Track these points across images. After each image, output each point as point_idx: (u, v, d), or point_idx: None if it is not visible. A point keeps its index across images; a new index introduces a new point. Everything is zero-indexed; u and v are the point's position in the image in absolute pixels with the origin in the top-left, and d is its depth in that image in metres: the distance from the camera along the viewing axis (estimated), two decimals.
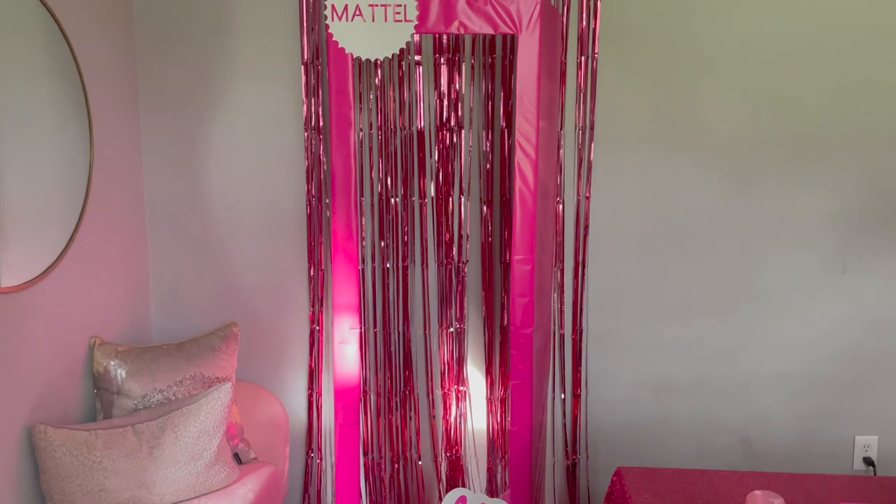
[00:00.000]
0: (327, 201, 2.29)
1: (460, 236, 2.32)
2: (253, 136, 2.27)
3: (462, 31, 1.86)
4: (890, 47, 2.18)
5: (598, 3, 2.19)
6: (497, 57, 2.23)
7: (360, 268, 2.29)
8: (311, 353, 2.36)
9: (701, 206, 2.29)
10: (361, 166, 2.27)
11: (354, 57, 1.85)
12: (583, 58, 2.23)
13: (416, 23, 1.81)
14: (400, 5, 1.80)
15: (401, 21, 1.81)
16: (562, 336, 2.37)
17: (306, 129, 2.25)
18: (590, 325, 2.37)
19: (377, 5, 1.80)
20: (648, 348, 2.38)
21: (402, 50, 1.86)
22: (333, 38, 1.82)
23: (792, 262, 2.30)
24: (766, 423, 2.38)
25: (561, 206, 2.30)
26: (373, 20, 1.80)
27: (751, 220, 2.28)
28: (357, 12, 1.80)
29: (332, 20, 1.81)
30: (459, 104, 2.25)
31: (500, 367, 2.37)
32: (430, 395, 2.38)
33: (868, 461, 2.35)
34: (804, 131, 2.23)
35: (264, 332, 2.35)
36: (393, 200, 2.30)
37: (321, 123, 2.24)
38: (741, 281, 2.32)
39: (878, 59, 2.19)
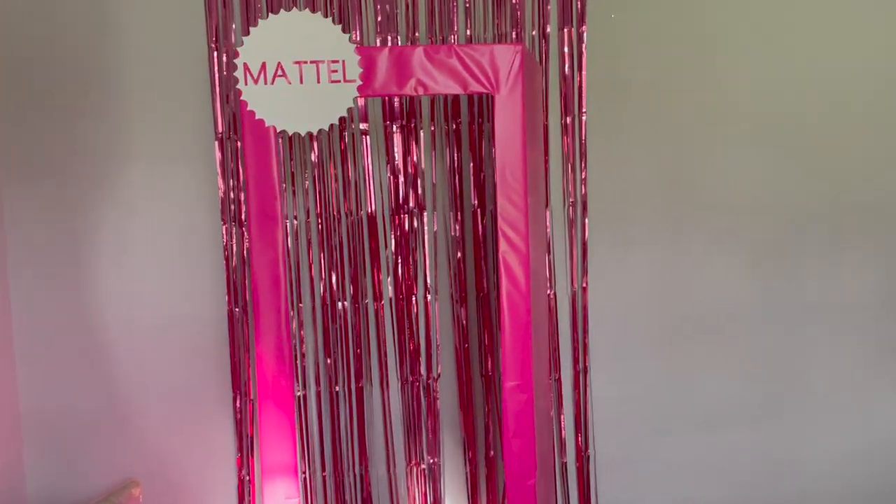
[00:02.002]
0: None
1: (428, 345, 1.83)
2: (155, 230, 1.76)
3: (421, 91, 1.40)
4: None
5: (584, 53, 1.78)
6: (463, 122, 1.79)
7: (300, 395, 1.77)
8: None
9: (723, 293, 1.86)
10: (297, 264, 1.77)
11: (279, 131, 1.37)
12: (568, 118, 1.80)
13: (359, 83, 1.35)
14: (337, 61, 1.34)
15: (339, 82, 1.34)
16: (563, 465, 1.88)
17: (224, 221, 1.75)
18: (597, 447, 1.88)
19: (306, 62, 1.33)
20: (670, 471, 1.90)
21: (342, 119, 1.39)
22: (248, 108, 1.34)
23: (841, 355, 1.87)
24: None
25: (554, 300, 1.84)
26: (300, 82, 1.34)
27: (786, 306, 1.86)
28: (279, 72, 1.33)
29: (246, 83, 1.33)
30: (419, 181, 1.79)
31: None
32: None
33: None
34: (843, 194, 1.84)
35: (177, 488, 1.79)
36: (340, 305, 1.80)
37: (243, 212, 1.75)
38: (783, 379, 1.88)
39: None
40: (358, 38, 1.74)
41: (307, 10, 1.36)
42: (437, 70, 1.39)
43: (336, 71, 1.35)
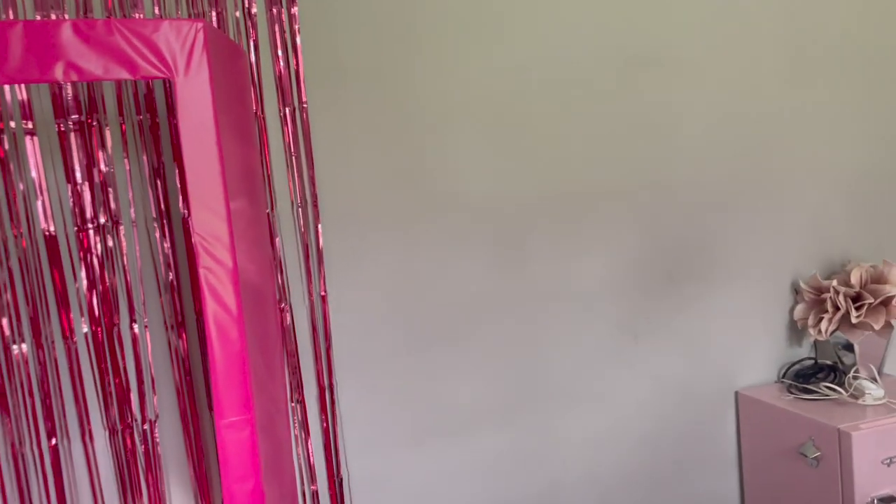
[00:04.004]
0: None
1: (140, 383, 1.54)
2: None
3: (75, 77, 1.11)
4: (646, 85, 1.88)
5: (297, 39, 1.59)
6: (161, 116, 1.52)
7: None
8: None
9: (466, 289, 1.79)
10: None
11: None
12: (287, 109, 1.60)
13: None
14: None
15: None
16: (315, 493, 1.69)
17: None
18: (350, 469, 1.72)
19: None
20: (432, 481, 1.80)
21: None
22: None
23: (579, 341, 1.89)
24: None
25: (288, 314, 1.64)
26: None
27: (525, 297, 1.83)
28: None
29: None
30: (110, 189, 1.49)
31: None
32: None
33: None
34: (567, 186, 1.84)
35: None
36: (16, 349, 1.44)
37: None
38: (528, 373, 1.85)
39: (634, 99, 1.87)
40: (12, 16, 1.40)
41: None
42: (92, 51, 1.12)
43: None
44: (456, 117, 1.75)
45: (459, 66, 1.74)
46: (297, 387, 1.66)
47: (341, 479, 1.71)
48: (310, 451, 1.68)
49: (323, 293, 1.67)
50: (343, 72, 1.65)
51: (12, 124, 1.41)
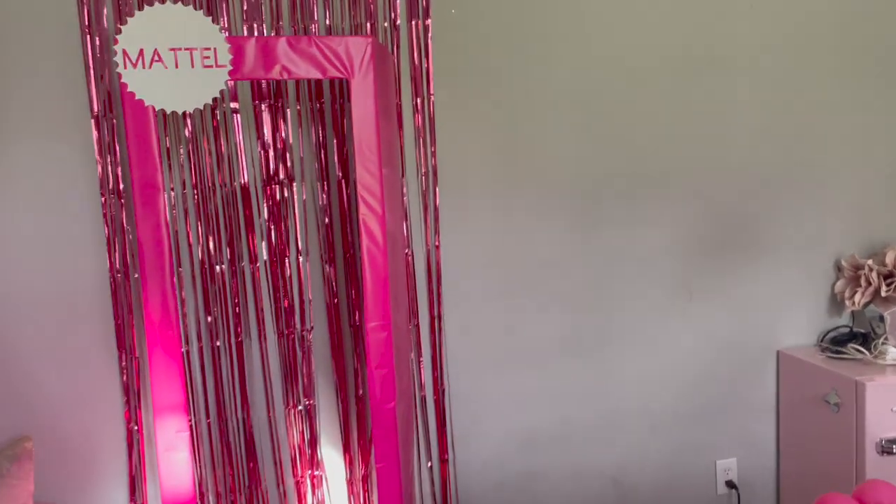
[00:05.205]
0: (136, 276, 1.93)
1: (301, 301, 2.06)
2: (34, 205, 1.87)
3: (286, 76, 1.62)
4: (706, 78, 2.24)
5: (430, 42, 2.05)
6: (326, 102, 2.02)
7: (184, 350, 1.95)
8: (130, 460, 1.97)
9: (550, 248, 2.22)
10: (177, 232, 1.94)
11: (157, 109, 1.55)
12: (418, 99, 2.07)
13: (229, 68, 1.55)
14: (209, 49, 1.53)
15: (211, 67, 1.54)
16: (423, 398, 2.18)
17: (103, 194, 1.89)
18: (451, 382, 2.20)
19: (180, 49, 1.51)
20: (513, 400, 2.25)
21: (214, 98, 1.58)
22: (128, 90, 1.51)
23: (642, 296, 2.28)
24: (633, 460, 2.35)
25: (411, 258, 2.12)
26: (176, 66, 1.52)
27: (598, 258, 2.24)
28: (156, 57, 1.51)
29: (126, 68, 1.49)
30: (288, 155, 2.00)
31: (359, 442, 2.12)
32: (281, 486, 2.08)
33: (730, 484, 2.38)
34: (639, 167, 2.23)
35: (68, 441, 1.92)
36: (218, 268, 1.99)
37: (121, 186, 1.89)
38: (596, 319, 2.27)
39: (696, 90, 2.24)
40: (225, 25, 1.92)
41: (180, 2, 1.53)
42: (299, 58, 1.62)
43: (208, 57, 1.54)
44: (548, 109, 2.17)
45: (552, 68, 2.15)
46: (414, 315, 2.15)
47: (443, 390, 2.19)
48: (421, 365, 2.16)
49: (437, 243, 2.14)
50: (462, 71, 2.10)
51: (225, 104, 1.94)
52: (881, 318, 2.27)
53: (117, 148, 1.88)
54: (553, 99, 2.17)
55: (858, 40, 2.32)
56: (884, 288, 2.17)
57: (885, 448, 2.00)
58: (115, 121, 1.87)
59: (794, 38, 2.28)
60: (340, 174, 2.05)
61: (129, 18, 1.50)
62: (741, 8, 2.24)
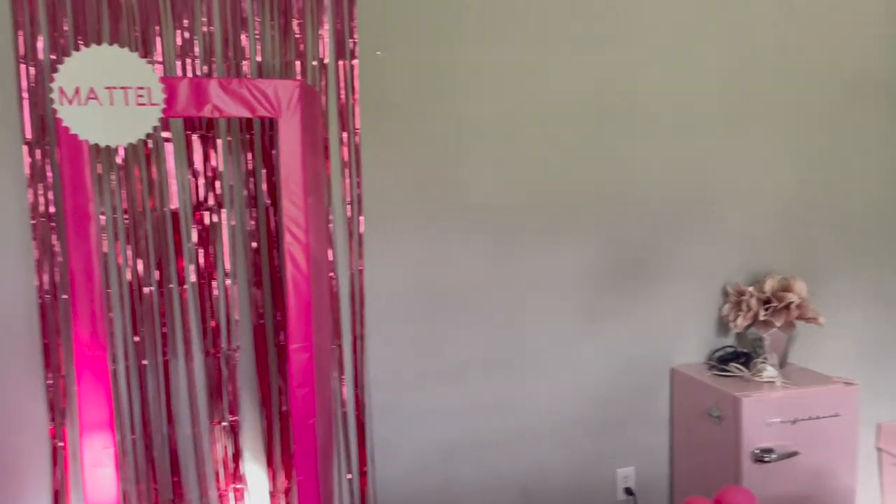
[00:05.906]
0: (64, 296, 1.99)
1: (228, 322, 2.16)
2: None
3: (217, 114, 1.74)
4: (615, 124, 2.46)
5: (356, 80, 2.19)
6: (256, 132, 2.13)
7: (111, 369, 2.02)
8: (54, 475, 2.02)
9: (469, 273, 2.38)
10: (106, 255, 2.02)
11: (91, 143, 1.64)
12: (345, 133, 2.21)
13: (163, 106, 1.66)
14: (143, 88, 1.63)
15: (145, 105, 1.64)
16: (344, 413, 2.30)
17: (34, 217, 1.95)
18: (372, 398, 2.33)
19: (115, 88, 1.61)
20: (431, 415, 2.40)
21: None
22: (64, 124, 1.59)
23: (553, 318, 2.48)
24: (541, 470, 2.53)
25: (335, 281, 2.25)
26: (111, 104, 1.61)
27: (514, 282, 2.42)
28: (91, 95, 1.60)
29: (62, 104, 1.58)
30: (217, 182, 2.11)
31: (282, 456, 2.23)
32: (204, 499, 2.16)
33: (629, 491, 2.59)
34: (552, 198, 2.43)
35: None
36: (147, 289, 2.07)
37: (52, 210, 1.95)
38: (510, 339, 2.45)
39: (606, 135, 2.46)
40: (161, 59, 2.02)
41: (116, 45, 1.63)
42: (229, 98, 1.74)
43: (142, 95, 1.64)
44: (468, 144, 2.34)
45: (471, 108, 2.33)
46: (337, 335, 2.27)
47: (364, 405, 2.32)
48: (343, 383, 2.29)
49: (360, 267, 2.28)
50: (386, 107, 2.25)
51: (157, 133, 2.03)
52: (761, 340, 2.53)
53: (50, 174, 1.95)
54: (473, 135, 2.34)
55: (739, 95, 2.59)
56: (762, 312, 2.43)
57: (758, 457, 2.25)
58: (47, 147, 1.94)
59: (688, 92, 2.53)
60: (269, 201, 2.16)
61: (66, 58, 1.59)
62: (646, 61, 2.47)
